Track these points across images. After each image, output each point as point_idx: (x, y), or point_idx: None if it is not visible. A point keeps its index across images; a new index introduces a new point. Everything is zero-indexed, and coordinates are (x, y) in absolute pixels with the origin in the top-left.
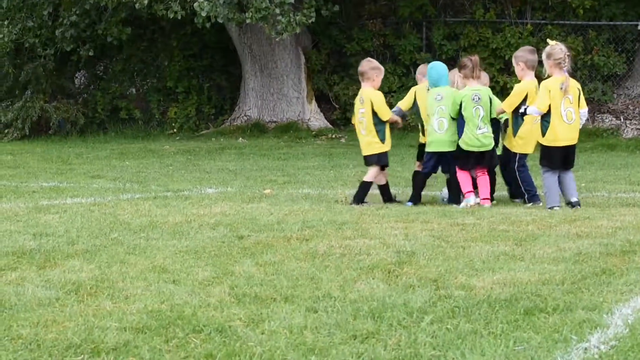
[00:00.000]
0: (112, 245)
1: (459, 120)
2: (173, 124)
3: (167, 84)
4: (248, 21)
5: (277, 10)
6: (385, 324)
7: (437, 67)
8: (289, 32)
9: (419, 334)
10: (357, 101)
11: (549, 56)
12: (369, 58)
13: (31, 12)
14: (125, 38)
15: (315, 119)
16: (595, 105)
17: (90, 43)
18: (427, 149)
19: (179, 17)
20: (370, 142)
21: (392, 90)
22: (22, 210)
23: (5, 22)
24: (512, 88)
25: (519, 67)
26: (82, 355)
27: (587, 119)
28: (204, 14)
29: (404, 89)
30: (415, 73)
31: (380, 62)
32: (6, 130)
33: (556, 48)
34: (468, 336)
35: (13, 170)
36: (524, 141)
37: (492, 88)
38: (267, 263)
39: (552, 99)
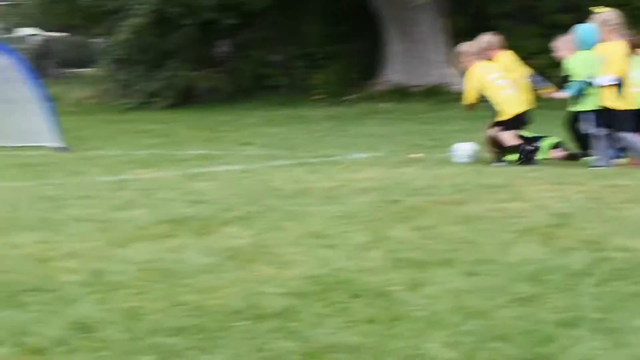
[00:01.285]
0: (267, 212)
1: None
2: (318, 90)
3: (310, 50)
4: None
5: None
6: (546, 287)
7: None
8: None
9: (580, 296)
10: None
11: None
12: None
13: None
14: (268, 5)
15: (458, 82)
16: None
17: (233, 11)
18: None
19: None
20: None
21: (533, 52)
22: (175, 178)
23: None
24: None
25: None
26: (246, 321)
27: None
28: None
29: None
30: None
31: (521, 24)
32: (154, 100)
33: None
34: (632, 298)
35: (163, 138)
36: None
37: None
38: (422, 227)
39: None
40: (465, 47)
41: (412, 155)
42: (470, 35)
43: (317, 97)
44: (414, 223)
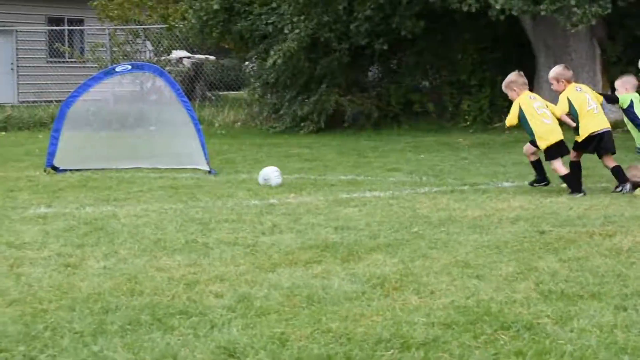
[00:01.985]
0: (414, 239)
1: None
2: (466, 117)
3: (460, 77)
4: (542, 13)
5: (572, 2)
6: None
7: None
8: (584, 23)
9: None
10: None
11: None
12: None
13: (327, 7)
14: (419, 32)
15: (611, 111)
16: None
17: (384, 37)
18: None
19: (473, 10)
20: None
21: None
22: (322, 203)
23: (302, 17)
24: None
25: None
26: (392, 350)
27: None
28: (498, 6)
29: None
30: None
31: None
32: (302, 124)
33: None
34: None
35: (310, 163)
36: None
37: None
38: (571, 259)
39: None
40: (514, 76)
41: (563, 185)
42: (625, 62)
43: (465, 123)
44: (563, 254)
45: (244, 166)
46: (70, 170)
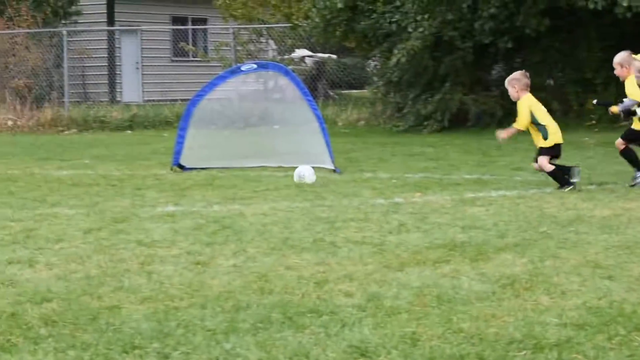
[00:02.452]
0: (542, 239)
1: None
2: (592, 116)
3: (585, 75)
4: None
5: None
6: None
7: None
8: None
9: None
10: None
11: None
12: None
13: (451, 5)
14: (544, 30)
15: None
16: None
17: (508, 35)
18: None
19: (599, 8)
20: None
21: None
22: (448, 202)
23: (426, 16)
24: None
25: None
26: (525, 351)
27: None
28: (624, 4)
29: None
30: None
31: None
32: (425, 123)
33: None
34: None
35: (435, 162)
36: None
37: None
38: None
39: None
40: (519, 75)
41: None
42: None
43: (590, 122)
44: None
45: (368, 165)
46: (196, 168)
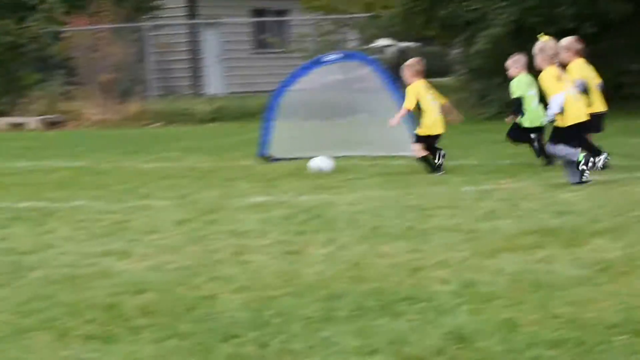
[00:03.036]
0: (636, 224)
1: None
2: None
3: None
4: None
5: None
6: None
7: None
8: None
9: None
10: None
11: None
12: None
13: None
14: (629, 14)
15: None
16: None
17: (590, 20)
18: None
19: None
20: None
21: None
22: (538, 188)
23: (507, 2)
24: None
25: None
26: (625, 335)
27: None
28: None
29: None
30: None
31: None
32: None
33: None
34: None
35: (524, 147)
36: None
37: None
38: None
39: None
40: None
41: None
42: None
43: None
44: None
45: (454, 152)
46: (283, 159)
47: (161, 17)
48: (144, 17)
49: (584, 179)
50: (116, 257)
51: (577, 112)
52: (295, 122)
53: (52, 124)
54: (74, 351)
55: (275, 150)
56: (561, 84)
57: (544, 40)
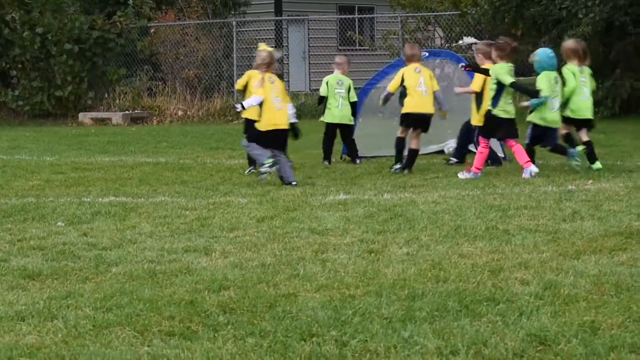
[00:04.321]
0: None
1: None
2: None
3: None
4: None
5: None
6: None
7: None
8: None
9: None
10: None
11: None
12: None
13: None
14: None
15: None
16: None
17: None
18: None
19: None
20: None
21: None
22: (621, 189)
23: (596, 1)
24: None
25: None
26: None
27: None
28: None
29: None
30: None
31: None
32: (596, 109)
33: None
34: None
35: (607, 149)
36: None
37: None
38: None
39: None
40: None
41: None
42: None
43: None
44: None
45: (538, 151)
46: (366, 157)
47: (248, 13)
48: (231, 12)
49: (261, 177)
50: (197, 254)
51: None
52: (378, 120)
53: (136, 120)
54: (155, 347)
55: (358, 148)
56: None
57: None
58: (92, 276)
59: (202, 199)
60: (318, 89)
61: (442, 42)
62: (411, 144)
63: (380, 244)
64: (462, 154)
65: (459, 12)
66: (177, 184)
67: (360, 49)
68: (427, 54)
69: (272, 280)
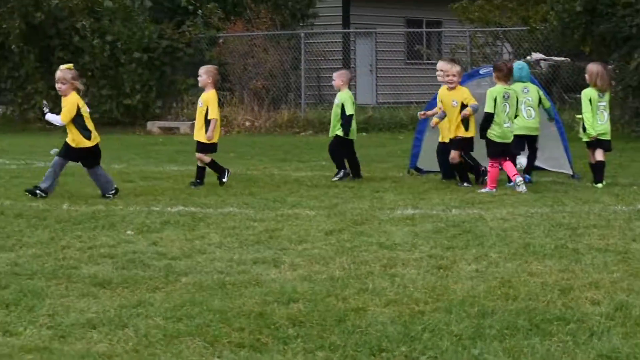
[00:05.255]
0: None
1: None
2: None
3: None
4: None
5: None
6: None
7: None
8: None
9: None
10: None
11: None
12: None
13: None
14: None
15: None
16: None
17: None
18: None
19: None
20: None
21: None
22: None
23: None
24: None
25: None
26: None
27: None
28: None
29: None
30: None
31: None
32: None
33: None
34: None
35: None
36: None
37: None
38: None
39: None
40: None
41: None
42: None
43: None
44: None
45: (607, 171)
46: (434, 172)
47: (316, 25)
48: (300, 24)
49: None
50: (266, 266)
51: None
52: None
53: None
54: (225, 359)
55: (424, 163)
56: None
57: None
58: (162, 285)
59: (270, 211)
60: (385, 102)
61: (510, 57)
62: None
63: (449, 259)
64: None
65: (528, 27)
66: (245, 195)
67: (427, 63)
68: (491, 70)
69: (341, 294)
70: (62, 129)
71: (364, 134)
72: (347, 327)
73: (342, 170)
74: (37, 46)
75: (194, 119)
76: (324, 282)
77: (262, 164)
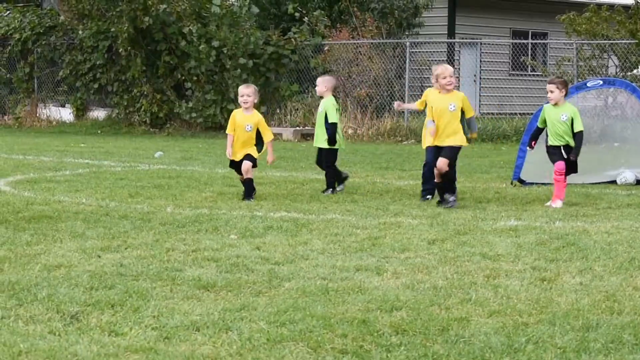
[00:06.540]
0: None
1: None
2: None
3: None
4: None
5: None
6: None
7: None
8: None
9: None
10: None
11: None
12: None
13: None
14: None
15: None
16: None
17: None
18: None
19: None
20: None
21: None
22: None
23: None
24: None
25: None
26: None
27: None
28: None
29: None
30: None
31: None
32: None
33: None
34: None
35: None
36: None
37: None
38: None
39: None
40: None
41: None
42: None
43: None
44: None
45: None
46: (537, 183)
47: (421, 34)
48: (405, 33)
49: None
50: (369, 273)
51: None
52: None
53: (306, 136)
54: None
55: (527, 174)
56: None
57: None
58: (265, 290)
59: (372, 219)
60: (489, 113)
61: (617, 70)
62: None
63: (553, 272)
64: None
65: (636, 41)
66: (347, 202)
67: (532, 75)
68: (601, 82)
69: (444, 303)
70: (166, 133)
71: None
72: (450, 336)
73: (331, 189)
74: (144, 50)
75: (297, 126)
76: (426, 291)
77: (364, 171)
